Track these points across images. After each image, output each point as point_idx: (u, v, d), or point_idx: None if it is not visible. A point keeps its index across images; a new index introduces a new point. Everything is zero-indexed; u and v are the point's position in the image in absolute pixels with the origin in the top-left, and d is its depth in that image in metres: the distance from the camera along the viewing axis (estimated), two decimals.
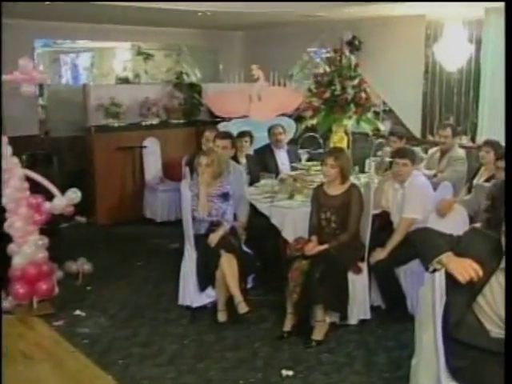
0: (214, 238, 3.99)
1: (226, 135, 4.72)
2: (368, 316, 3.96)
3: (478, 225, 3.16)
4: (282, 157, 5.76)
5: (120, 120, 6.59)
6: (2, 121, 3.94)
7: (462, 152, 5.43)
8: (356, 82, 4.60)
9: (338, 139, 4.78)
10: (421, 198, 4.00)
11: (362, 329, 3.89)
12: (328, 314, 3.75)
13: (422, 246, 2.42)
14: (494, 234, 2.31)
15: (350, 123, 4.73)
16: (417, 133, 6.53)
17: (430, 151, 5.66)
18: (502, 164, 3.59)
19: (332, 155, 3.84)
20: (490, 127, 5.94)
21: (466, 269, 2.21)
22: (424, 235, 2.47)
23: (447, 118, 6.49)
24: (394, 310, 4.01)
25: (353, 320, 3.89)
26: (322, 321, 3.70)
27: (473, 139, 6.24)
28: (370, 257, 4.00)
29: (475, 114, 6.15)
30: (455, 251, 2.34)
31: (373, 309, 4.05)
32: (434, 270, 2.35)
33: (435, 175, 5.26)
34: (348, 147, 5.52)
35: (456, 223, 3.36)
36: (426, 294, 2.57)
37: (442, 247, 2.33)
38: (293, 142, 6.16)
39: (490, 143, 4.89)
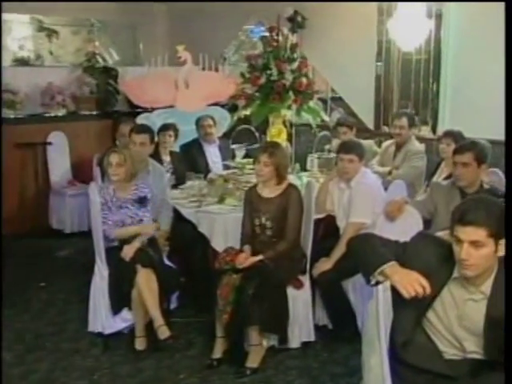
0: (128, 251, 3.91)
1: (144, 129, 4.65)
2: (312, 338, 3.98)
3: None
4: (212, 154, 5.74)
5: (17, 111, 6.40)
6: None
7: (420, 145, 5.56)
8: (295, 65, 4.63)
9: (276, 132, 4.80)
10: (370, 199, 4.06)
11: (305, 353, 3.91)
12: (265, 337, 3.74)
13: (363, 255, 2.45)
14: (445, 240, 2.35)
15: (289, 113, 4.75)
16: (369, 123, 6.65)
17: (384, 144, 5.77)
18: (459, 159, 3.67)
19: (266, 151, 3.84)
20: (453, 116, 6.12)
21: (411, 282, 2.25)
22: (365, 243, 2.50)
23: (405, 106, 6.64)
24: (343, 330, 4.05)
25: (294, 343, 3.90)
26: (258, 345, 3.69)
27: (433, 130, 6.41)
28: (312, 269, 4.02)
29: (436, 101, 6.31)
30: (401, 260, 2.38)
31: (318, 329, 4.07)
32: (377, 283, 2.38)
33: (390, 172, 5.38)
34: (290, 141, 5.59)
35: (408, 228, 3.41)
36: (373, 310, 2.60)
37: (385, 256, 2.37)
38: (226, 136, 6.15)
39: (451, 134, 5.02)
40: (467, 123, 5.62)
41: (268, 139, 4.84)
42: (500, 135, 5.51)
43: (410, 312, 2.36)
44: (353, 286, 4.01)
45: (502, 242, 2.22)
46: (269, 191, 3.92)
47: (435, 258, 2.36)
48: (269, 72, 4.57)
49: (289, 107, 4.71)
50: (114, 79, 7.05)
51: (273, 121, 4.83)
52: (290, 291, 3.84)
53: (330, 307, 4.10)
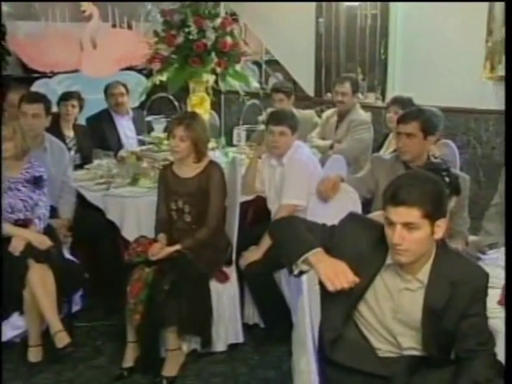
0: (17, 243, 3.81)
1: (37, 97, 4.53)
2: (240, 339, 4.02)
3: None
4: (125, 127, 5.69)
5: None
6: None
7: (365, 114, 5.65)
8: (218, 22, 4.60)
9: (198, 101, 4.79)
10: (305, 177, 4.09)
11: (232, 357, 3.94)
12: (184, 340, 3.75)
13: (285, 241, 2.48)
14: (379, 222, 2.39)
15: (212, 79, 4.73)
16: (310, 90, 6.70)
17: (325, 114, 5.84)
18: (403, 129, 3.73)
19: (181, 124, 3.81)
20: (404, 80, 6.24)
21: (337, 274, 2.28)
22: (287, 227, 2.53)
23: (351, 70, 6.72)
24: (276, 329, 4.10)
25: (219, 346, 3.93)
26: (177, 349, 3.69)
27: (382, 97, 6.51)
28: (239, 259, 4.05)
29: (384, 64, 6.40)
30: (328, 246, 2.42)
31: (247, 329, 4.12)
32: (301, 273, 2.41)
33: (331, 146, 5.44)
34: (218, 112, 5.58)
35: (343, 209, 3.42)
36: (301, 304, 2.63)
37: (309, 242, 2.40)
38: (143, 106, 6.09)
39: (399, 101, 5.12)
40: (421, 89, 5.76)
41: (190, 109, 4.82)
42: (457, 102, 5.76)
43: (338, 305, 2.40)
44: (286, 278, 4.04)
45: (440, 223, 2.28)
46: (186, 170, 3.91)
47: (366, 243, 2.40)
48: (187, 30, 4.54)
49: (212, 71, 4.69)
50: (1, 37, 6.80)
51: (194, 87, 4.81)
52: (214, 285, 3.85)
53: (261, 303, 4.13)
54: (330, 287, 2.27)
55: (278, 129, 4.13)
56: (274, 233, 2.62)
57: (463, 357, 2.36)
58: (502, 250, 3.03)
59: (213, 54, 4.58)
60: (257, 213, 4.39)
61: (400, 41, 6.23)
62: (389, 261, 2.36)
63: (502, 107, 5.54)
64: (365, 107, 5.90)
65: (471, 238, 3.81)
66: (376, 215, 2.83)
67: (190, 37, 4.54)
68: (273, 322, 4.13)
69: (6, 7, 7.28)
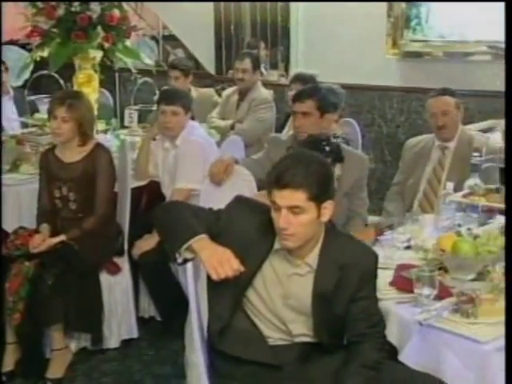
0: None
1: None
2: (135, 334, 4.01)
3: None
4: (7, 108, 5.52)
5: None
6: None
7: (267, 93, 5.71)
8: None
9: (85, 79, 4.71)
10: (200, 160, 4.11)
11: (125, 353, 3.92)
12: (72, 338, 3.72)
13: (168, 228, 2.47)
14: (267, 206, 2.41)
15: (99, 55, 4.66)
16: (210, 67, 6.70)
17: (225, 93, 5.87)
18: (299, 107, 3.79)
19: (63, 104, 3.74)
20: (308, 58, 6.31)
21: (221, 262, 2.29)
22: (171, 213, 2.53)
23: (255, 46, 6.75)
24: (173, 322, 4.09)
25: (112, 342, 3.90)
26: (63, 349, 3.64)
27: (286, 74, 6.56)
28: (132, 248, 4.03)
29: (287, 39, 6.45)
30: (214, 232, 2.43)
31: (143, 323, 4.13)
32: (185, 261, 2.42)
33: (232, 127, 5.47)
34: (112, 91, 5.50)
35: (239, 192, 3.48)
36: (189, 294, 2.65)
37: (193, 228, 2.40)
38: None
39: (301, 79, 5.18)
40: (325, 66, 5.86)
41: (76, 88, 4.74)
42: (362, 79, 5.87)
43: (224, 294, 2.41)
44: (183, 267, 4.04)
45: (327, 205, 2.33)
46: (70, 154, 3.84)
47: (254, 228, 2.42)
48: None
49: (99, 47, 4.62)
50: None
51: (80, 64, 4.72)
52: (105, 278, 3.83)
53: (157, 295, 4.13)
54: (214, 276, 2.28)
55: (169, 108, 4.12)
56: (157, 219, 2.61)
57: (354, 341, 2.42)
58: (399, 230, 3.14)
59: (99, 28, 4.51)
60: (151, 199, 4.37)
61: (302, 17, 6.28)
62: (277, 246, 2.39)
63: (405, 84, 5.75)
64: (268, 85, 5.96)
65: (372, 218, 3.93)
66: (259, 194, 2.86)
67: (72, 9, 4.45)
68: (170, 314, 4.13)
69: None
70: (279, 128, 5.40)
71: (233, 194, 2.97)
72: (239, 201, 2.56)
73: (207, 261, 2.30)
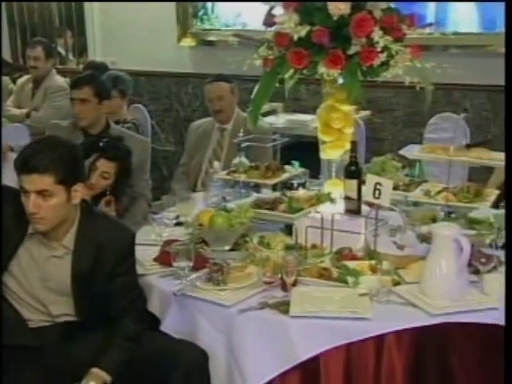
0: None
1: None
2: None
3: None
4: None
5: None
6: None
7: (62, 80, 5.63)
8: None
9: None
10: None
11: None
12: None
13: None
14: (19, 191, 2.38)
15: None
16: (6, 54, 6.48)
17: (19, 81, 5.77)
18: (76, 94, 3.76)
19: None
20: (105, 45, 6.22)
21: None
22: None
23: (59, 35, 6.59)
24: None
25: None
26: None
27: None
28: None
29: (83, 29, 6.33)
30: None
31: None
32: None
33: (28, 115, 5.37)
34: None
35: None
36: None
37: None
38: None
39: (93, 67, 5.17)
40: (122, 53, 5.85)
41: None
42: (158, 66, 5.87)
43: None
44: None
45: (77, 187, 2.35)
46: None
47: (8, 213, 2.41)
48: None
49: None
50: None
51: None
52: None
53: None
54: None
55: None
56: None
57: (115, 316, 2.47)
58: (171, 208, 3.18)
59: None
60: None
61: (97, 4, 6.21)
62: (31, 230, 2.39)
63: (198, 70, 5.84)
64: (64, 72, 5.86)
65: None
66: None
67: None
68: None
69: None
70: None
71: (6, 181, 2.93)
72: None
73: None
